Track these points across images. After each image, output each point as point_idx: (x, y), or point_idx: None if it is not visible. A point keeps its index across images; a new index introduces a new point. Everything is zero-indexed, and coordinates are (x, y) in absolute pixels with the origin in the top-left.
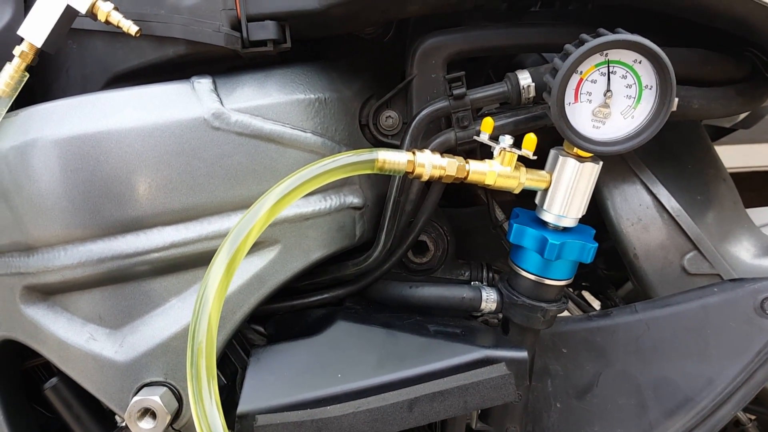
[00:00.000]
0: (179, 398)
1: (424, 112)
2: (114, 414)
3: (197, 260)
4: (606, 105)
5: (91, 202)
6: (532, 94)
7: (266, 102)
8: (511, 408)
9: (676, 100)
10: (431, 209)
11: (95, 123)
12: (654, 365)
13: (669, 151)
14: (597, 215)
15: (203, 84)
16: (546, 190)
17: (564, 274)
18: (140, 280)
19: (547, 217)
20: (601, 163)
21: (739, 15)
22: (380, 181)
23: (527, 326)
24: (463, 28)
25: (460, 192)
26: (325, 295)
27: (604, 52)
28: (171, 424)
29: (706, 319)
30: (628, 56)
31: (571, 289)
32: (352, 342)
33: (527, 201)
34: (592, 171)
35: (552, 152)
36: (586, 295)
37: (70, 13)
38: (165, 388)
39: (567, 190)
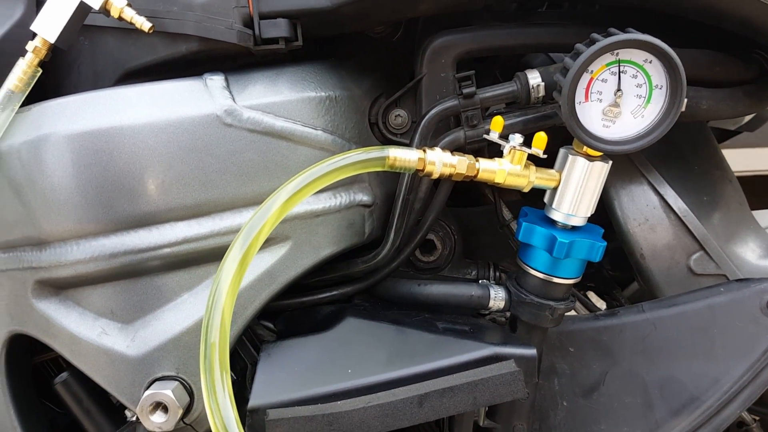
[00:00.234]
0: (190, 392)
1: (433, 111)
2: (124, 409)
3: (209, 256)
4: (616, 104)
5: (103, 197)
6: (542, 93)
7: (278, 99)
8: (519, 405)
9: (685, 100)
10: (439, 208)
11: (108, 118)
12: (660, 364)
13: (676, 152)
14: (603, 215)
15: (216, 81)
16: (555, 189)
17: (572, 272)
18: (152, 275)
19: (556, 215)
20: (611, 162)
21: (747, 16)
22: (389, 179)
23: (535, 324)
24: (472, 28)
25: (467, 191)
26: (334, 292)
27: (615, 52)
28: (182, 418)
29: (713, 319)
30: (639, 56)
31: (576, 290)
32: (361, 338)
33: (533, 201)
34: (601, 170)
35: (561, 151)
36: (591, 295)
37: (83, 9)
38: (177, 383)
39: (576, 189)
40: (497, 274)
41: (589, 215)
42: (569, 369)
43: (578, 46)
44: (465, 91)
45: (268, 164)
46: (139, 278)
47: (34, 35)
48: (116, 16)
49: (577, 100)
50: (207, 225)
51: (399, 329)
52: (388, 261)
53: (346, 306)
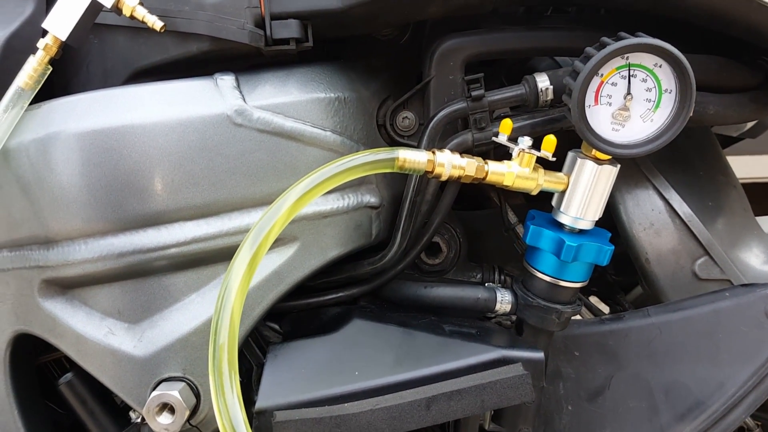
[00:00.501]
0: (197, 394)
1: (442, 113)
2: (128, 410)
3: (217, 256)
4: (626, 108)
5: (112, 195)
6: (550, 96)
7: (287, 100)
8: (524, 409)
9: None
10: (446, 210)
11: (118, 117)
12: (666, 369)
13: (681, 157)
14: (608, 219)
15: (226, 81)
16: (563, 192)
17: (579, 276)
18: (160, 274)
19: (564, 219)
20: (619, 166)
21: (754, 23)
22: (396, 181)
23: (541, 328)
24: (481, 31)
25: (472, 194)
26: (341, 294)
27: (625, 56)
28: (188, 419)
29: (718, 324)
30: (649, 60)
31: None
32: (368, 340)
33: (538, 204)
34: (609, 174)
35: (570, 154)
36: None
37: (95, 7)
38: (183, 383)
39: (585, 193)
40: (502, 277)
41: (596, 219)
42: (574, 373)
43: (588, 49)
44: (473, 93)
45: (277, 165)
46: (146, 278)
47: (44, 33)
48: (128, 14)
49: (586, 104)
50: (216, 225)
51: (406, 331)
52: (395, 263)
53: (352, 308)
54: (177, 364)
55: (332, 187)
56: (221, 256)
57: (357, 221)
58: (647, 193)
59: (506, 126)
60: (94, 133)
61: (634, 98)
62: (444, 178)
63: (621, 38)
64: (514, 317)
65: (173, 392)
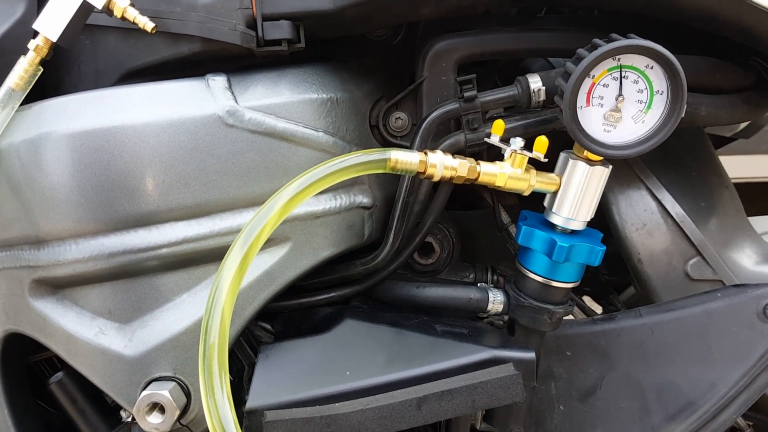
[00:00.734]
0: (188, 393)
1: (434, 114)
2: (119, 409)
3: (208, 256)
4: (617, 109)
5: (103, 196)
6: (542, 97)
7: (279, 101)
8: (516, 409)
9: (685, 106)
10: (438, 210)
11: (110, 117)
12: (657, 369)
13: (673, 158)
14: (600, 220)
15: (218, 81)
16: (555, 193)
17: (571, 276)
18: (151, 275)
19: (556, 219)
20: (611, 167)
21: (746, 25)
22: (389, 182)
23: (533, 328)
24: (474, 32)
25: (465, 195)
26: (333, 294)
27: (617, 57)
28: (179, 419)
29: (710, 324)
30: (641, 61)
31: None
32: (360, 340)
33: (531, 204)
34: (601, 175)
35: (562, 155)
36: (588, 300)
37: (86, 8)
38: (174, 383)
39: (576, 193)
40: (495, 277)
41: (588, 219)
42: (566, 373)
43: (580, 51)
44: (466, 94)
45: (269, 165)
46: (137, 278)
47: (35, 34)
48: (119, 15)
49: (578, 105)
50: (207, 225)
51: (397, 331)
52: (387, 263)
53: (344, 308)
54: (167, 363)
55: (324, 188)
56: (212, 256)
57: (349, 221)
58: (640, 193)
59: (498, 127)
60: (85, 133)
61: (625, 99)
62: (436, 178)
63: (612, 40)
64: (506, 317)
65: (163, 392)
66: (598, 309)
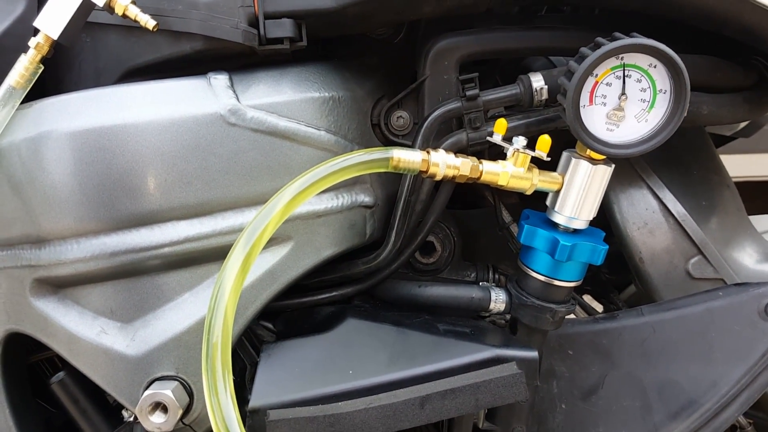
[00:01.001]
0: (190, 393)
1: (436, 113)
2: (120, 409)
3: (211, 255)
4: (620, 108)
5: (105, 195)
6: (545, 96)
7: (281, 99)
8: (518, 408)
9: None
10: (440, 209)
11: (111, 116)
12: (659, 367)
13: (675, 157)
14: (602, 219)
15: (220, 80)
16: (558, 192)
17: (574, 275)
18: (153, 274)
19: (559, 218)
20: (614, 165)
21: (747, 23)
22: (390, 181)
23: (535, 327)
24: (476, 30)
25: (466, 194)
26: (334, 293)
27: (620, 56)
28: (181, 418)
29: (711, 323)
30: (644, 60)
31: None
32: (362, 339)
33: (532, 203)
34: (604, 174)
35: (564, 154)
36: (589, 299)
37: (87, 5)
38: (176, 383)
39: (579, 193)
40: (496, 276)
41: (591, 218)
42: (568, 372)
43: (583, 49)
44: (468, 93)
45: (271, 164)
46: (139, 277)
47: (36, 31)
48: (120, 13)
49: (581, 104)
50: (209, 224)
51: (400, 330)
52: (389, 262)
53: (346, 307)
54: (170, 363)
55: (326, 187)
56: (215, 255)
57: (351, 221)
58: (641, 192)
59: (501, 126)
60: (86, 132)
61: (628, 98)
62: (438, 177)
63: (616, 38)
64: (508, 316)
65: (166, 391)
66: (599, 308)
